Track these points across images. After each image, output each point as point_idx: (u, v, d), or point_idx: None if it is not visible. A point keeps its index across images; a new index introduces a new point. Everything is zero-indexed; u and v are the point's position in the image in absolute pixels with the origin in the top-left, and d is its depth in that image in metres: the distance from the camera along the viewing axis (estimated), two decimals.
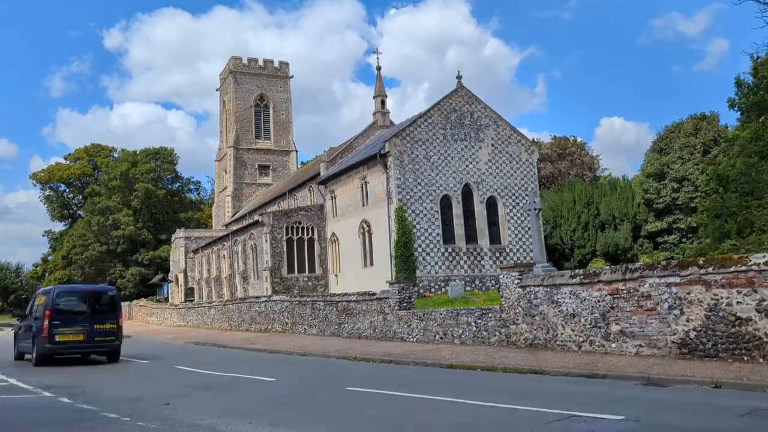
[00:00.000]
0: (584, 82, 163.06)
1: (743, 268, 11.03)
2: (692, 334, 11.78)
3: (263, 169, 65.72)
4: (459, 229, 33.83)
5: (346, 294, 24.09)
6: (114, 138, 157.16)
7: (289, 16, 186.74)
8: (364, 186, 35.53)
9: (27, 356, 18.70)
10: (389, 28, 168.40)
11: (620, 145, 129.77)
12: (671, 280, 12.12)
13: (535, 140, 50.54)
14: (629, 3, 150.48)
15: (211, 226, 70.16)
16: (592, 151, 58.50)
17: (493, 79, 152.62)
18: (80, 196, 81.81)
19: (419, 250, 32.49)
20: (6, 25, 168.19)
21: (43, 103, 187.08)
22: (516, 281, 15.64)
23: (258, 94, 65.59)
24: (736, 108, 22.29)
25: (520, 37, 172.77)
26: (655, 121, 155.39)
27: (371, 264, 34.78)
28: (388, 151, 32.85)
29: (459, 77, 35.31)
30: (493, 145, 35.49)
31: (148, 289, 65.02)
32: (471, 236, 34.30)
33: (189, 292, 55.80)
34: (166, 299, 58.44)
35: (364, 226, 35.47)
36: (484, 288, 33.01)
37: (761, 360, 10.73)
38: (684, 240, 38.09)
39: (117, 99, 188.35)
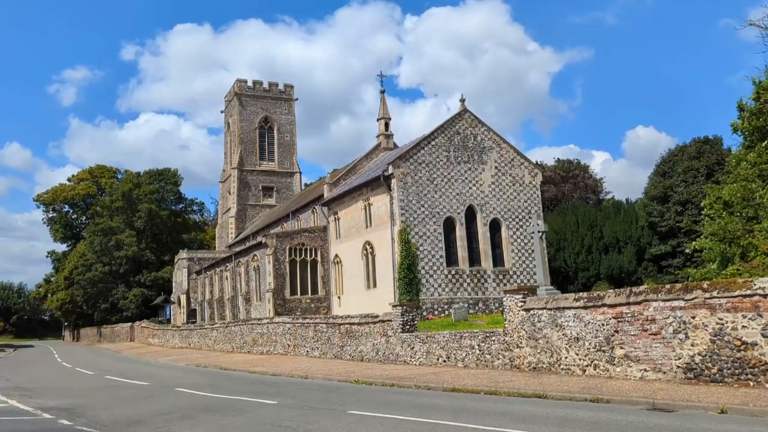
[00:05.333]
0: (621, 90, 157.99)
1: (748, 292, 10.97)
2: (697, 359, 11.68)
3: (267, 190, 65.92)
4: (462, 251, 33.75)
5: (348, 316, 23.99)
6: (127, 150, 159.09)
7: (319, 25, 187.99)
8: (367, 208, 35.56)
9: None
10: (421, 33, 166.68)
11: (653, 156, 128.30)
12: (675, 303, 12.05)
13: (539, 163, 50.67)
14: (679, 7, 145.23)
15: (215, 248, 70.14)
16: (596, 174, 58.60)
17: (530, 86, 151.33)
18: (84, 217, 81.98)
19: (422, 272, 32.39)
20: (22, 32, 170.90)
21: (54, 112, 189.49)
22: (519, 304, 15.57)
23: (262, 116, 66.06)
24: (739, 133, 22.24)
25: (559, 43, 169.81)
26: (688, 132, 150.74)
27: (374, 286, 34.67)
28: (392, 173, 32.93)
29: (462, 100, 35.54)
30: (496, 167, 35.55)
31: (151, 310, 64.85)
32: (474, 258, 34.22)
33: (191, 314, 55.62)
34: (169, 321, 58.28)
35: (368, 247, 35.43)
36: (487, 311, 32.84)
37: (767, 385, 10.63)
38: (688, 264, 37.92)
39: (134, 109, 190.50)
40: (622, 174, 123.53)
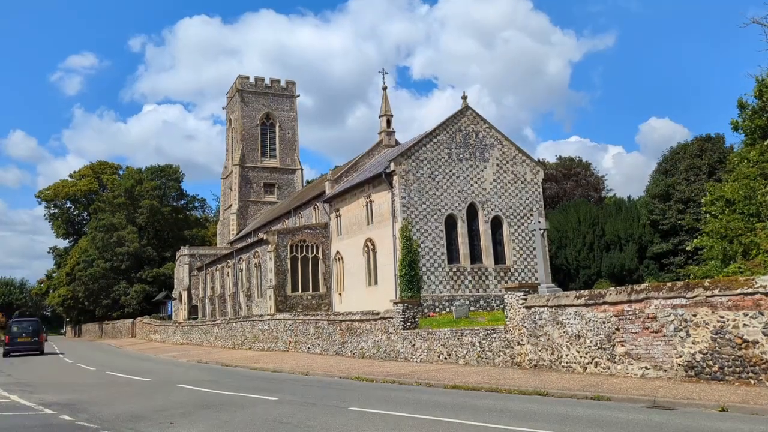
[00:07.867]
0: (641, 80, 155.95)
1: (749, 290, 10.96)
2: (698, 357, 11.68)
3: (268, 187, 65.93)
4: (464, 248, 33.75)
5: (349, 313, 24.00)
6: (133, 140, 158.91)
7: (333, 14, 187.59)
8: (369, 205, 35.56)
9: None
10: (438, 21, 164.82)
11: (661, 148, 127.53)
12: (677, 301, 12.05)
13: (540, 160, 50.60)
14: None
15: (216, 244, 70.19)
16: (598, 172, 58.53)
17: (550, 76, 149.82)
18: (85, 213, 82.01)
19: (424, 269, 32.40)
20: (30, 23, 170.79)
21: (60, 102, 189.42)
22: (521, 302, 15.57)
23: (264, 112, 66.03)
24: (739, 130, 22.23)
25: (579, 30, 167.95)
26: (707, 125, 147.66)
27: (375, 283, 34.68)
28: (393, 170, 32.92)
29: (464, 97, 35.51)
30: (498, 164, 35.54)
31: (152, 306, 64.95)
32: (476, 256, 34.23)
33: (193, 310, 55.69)
34: (170, 317, 58.35)
35: (369, 244, 35.43)
36: (488, 308, 32.86)
37: None
38: (690, 262, 37.91)
39: (140, 100, 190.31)
40: (636, 168, 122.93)
